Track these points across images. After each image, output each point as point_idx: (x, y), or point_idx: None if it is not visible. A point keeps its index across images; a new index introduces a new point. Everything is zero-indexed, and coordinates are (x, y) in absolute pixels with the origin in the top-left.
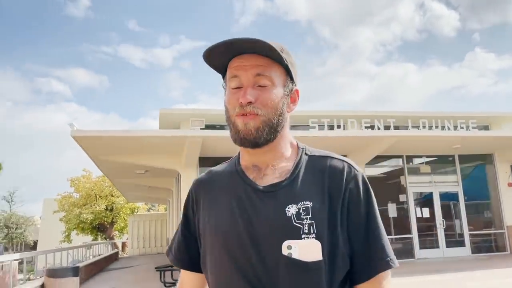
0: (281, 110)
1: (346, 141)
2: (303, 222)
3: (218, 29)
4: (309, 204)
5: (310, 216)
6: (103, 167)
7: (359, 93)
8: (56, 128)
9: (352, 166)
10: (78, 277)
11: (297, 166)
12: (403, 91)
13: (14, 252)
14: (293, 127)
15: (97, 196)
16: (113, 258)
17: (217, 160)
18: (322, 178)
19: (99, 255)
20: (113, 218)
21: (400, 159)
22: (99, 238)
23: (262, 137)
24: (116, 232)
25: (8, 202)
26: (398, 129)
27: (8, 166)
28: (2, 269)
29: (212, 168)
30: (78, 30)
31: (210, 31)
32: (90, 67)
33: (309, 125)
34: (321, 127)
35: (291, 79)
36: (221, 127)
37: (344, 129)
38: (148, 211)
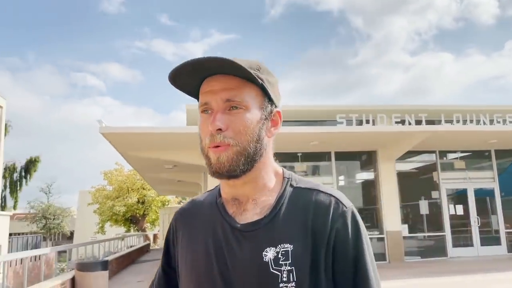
0: (258, 136)
1: (376, 136)
2: (282, 268)
3: (249, 22)
4: (289, 247)
5: (289, 261)
6: (132, 161)
7: (392, 85)
8: (91, 122)
9: (340, 201)
10: (107, 271)
11: (279, 200)
12: (439, 82)
13: (52, 242)
14: (320, 122)
15: (129, 189)
16: (144, 250)
17: None
18: (306, 215)
19: (131, 246)
20: (144, 211)
21: (433, 154)
22: (132, 230)
23: (238, 168)
24: (148, 224)
25: (46, 193)
26: (431, 123)
27: (45, 158)
28: (39, 259)
29: (195, 197)
30: (112, 26)
31: (240, 24)
32: (123, 62)
33: (336, 120)
34: (349, 122)
35: (270, 100)
36: None
37: (373, 124)
38: (179, 203)
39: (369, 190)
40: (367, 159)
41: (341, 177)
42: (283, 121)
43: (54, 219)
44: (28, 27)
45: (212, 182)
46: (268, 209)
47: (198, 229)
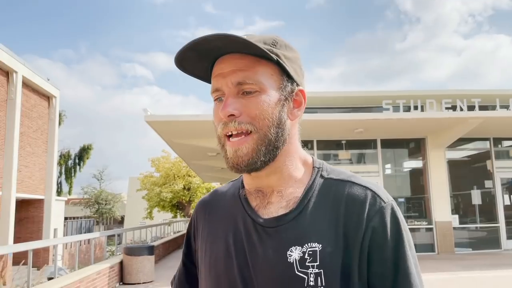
0: (278, 120)
1: (424, 123)
2: (308, 271)
3: (293, 7)
4: (317, 247)
5: (317, 263)
6: (177, 149)
7: (442, 69)
8: (140, 111)
9: (378, 195)
10: (153, 255)
11: (307, 192)
12: (494, 65)
13: (104, 226)
14: (365, 108)
15: (175, 176)
16: None
17: None
18: (337, 211)
19: (179, 231)
20: (190, 197)
21: (487, 142)
22: (178, 216)
23: (259, 160)
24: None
25: (98, 180)
26: (484, 109)
27: (97, 146)
28: (89, 243)
29: (218, 187)
30: (159, 16)
31: (284, 10)
32: (170, 51)
33: (382, 107)
34: (395, 108)
35: (290, 77)
36: None
37: (422, 110)
38: None
39: (417, 178)
40: (415, 146)
41: (388, 165)
42: (327, 107)
43: (106, 204)
44: (80, 19)
45: None
46: (294, 203)
47: (218, 223)
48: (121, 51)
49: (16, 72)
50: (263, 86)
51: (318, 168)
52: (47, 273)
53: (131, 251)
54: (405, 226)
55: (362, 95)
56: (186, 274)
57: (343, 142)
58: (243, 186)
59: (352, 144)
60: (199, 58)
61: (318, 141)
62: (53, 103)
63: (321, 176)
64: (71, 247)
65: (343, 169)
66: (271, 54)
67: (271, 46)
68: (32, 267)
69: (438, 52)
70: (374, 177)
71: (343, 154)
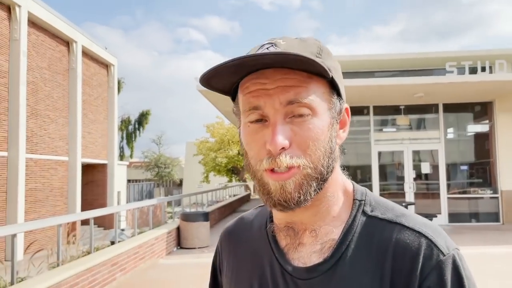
0: (330, 147)
1: (493, 86)
2: None
3: None
4: None
5: None
6: (229, 117)
7: None
8: (196, 75)
9: (435, 244)
10: (208, 221)
11: (346, 235)
12: None
13: (164, 189)
14: (426, 71)
15: (230, 142)
16: (245, 199)
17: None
18: (383, 264)
19: (235, 195)
20: None
21: None
22: (233, 180)
23: (309, 197)
24: (248, 175)
25: (157, 144)
26: None
27: (155, 112)
28: (148, 209)
29: (244, 214)
30: None
31: None
32: (223, 14)
33: (445, 69)
34: (460, 70)
35: (338, 94)
36: (342, 75)
37: (490, 72)
38: None
39: (482, 143)
40: (481, 110)
41: (450, 130)
42: (384, 71)
43: (165, 168)
44: None
45: None
46: (330, 247)
47: (243, 262)
48: (176, 16)
49: (75, 42)
50: (316, 107)
51: (360, 201)
52: (110, 237)
53: (187, 217)
54: (471, 284)
55: (423, 56)
56: None
57: (402, 107)
58: (271, 219)
59: (411, 109)
60: (233, 75)
61: (374, 107)
62: (112, 71)
63: (364, 212)
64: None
65: (391, 202)
66: (329, 72)
67: (318, 57)
68: (99, 227)
69: (511, 4)
70: (435, 143)
71: (402, 119)
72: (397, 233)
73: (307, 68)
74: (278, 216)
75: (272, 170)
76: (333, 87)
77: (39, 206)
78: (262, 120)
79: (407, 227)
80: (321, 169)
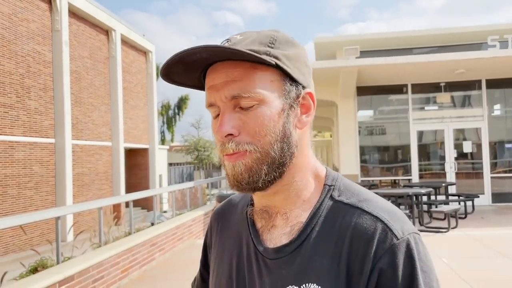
0: (282, 133)
1: None
2: None
3: None
4: None
5: None
6: None
7: None
8: None
9: (390, 228)
10: None
11: (312, 218)
12: None
13: (204, 171)
14: (467, 46)
15: None
16: None
17: (376, 89)
18: (341, 246)
19: None
20: None
21: None
22: None
23: (261, 179)
24: None
25: (196, 128)
26: None
27: (193, 96)
28: (188, 191)
29: (232, 196)
30: None
31: None
32: None
33: (487, 43)
34: (503, 44)
35: (293, 80)
36: (379, 53)
37: None
38: (314, 137)
39: None
40: None
41: (496, 106)
42: (423, 47)
43: (204, 151)
44: None
45: (343, 119)
46: (298, 230)
47: (227, 240)
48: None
49: (114, 30)
50: (262, 96)
51: (329, 186)
52: (150, 219)
53: (223, 199)
54: (426, 266)
55: (463, 31)
56: (203, 284)
57: (442, 84)
58: (252, 203)
59: (452, 86)
60: (187, 70)
61: (413, 85)
62: (150, 57)
63: (331, 197)
64: (174, 191)
65: (360, 187)
66: (268, 59)
67: (268, 47)
68: (143, 208)
69: None
70: (478, 121)
71: (442, 97)
72: (357, 217)
73: (248, 59)
74: (256, 200)
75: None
76: (286, 74)
77: (86, 189)
78: (219, 114)
79: (366, 212)
80: (273, 154)
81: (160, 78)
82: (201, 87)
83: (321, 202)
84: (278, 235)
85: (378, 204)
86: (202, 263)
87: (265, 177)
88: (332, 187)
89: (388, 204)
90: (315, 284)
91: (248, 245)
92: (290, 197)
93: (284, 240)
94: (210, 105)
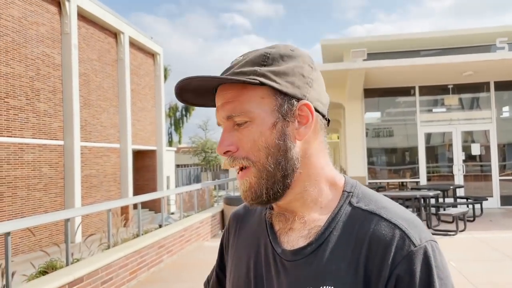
0: (277, 147)
1: None
2: None
3: None
4: None
5: None
6: None
7: None
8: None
9: (408, 236)
10: None
11: (331, 223)
12: None
13: (211, 173)
14: (476, 48)
15: None
16: None
17: (383, 91)
18: (359, 252)
19: None
20: None
21: None
22: None
23: (264, 194)
24: None
25: (203, 130)
26: None
27: None
28: (195, 193)
29: None
30: None
31: None
32: None
33: (495, 45)
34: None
35: (285, 94)
36: (386, 55)
37: None
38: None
39: None
40: None
41: (505, 108)
42: (432, 49)
43: (211, 152)
44: None
45: (350, 121)
46: (316, 234)
47: (245, 242)
48: (219, 1)
49: (123, 33)
50: (252, 114)
51: (348, 193)
52: (158, 221)
53: (231, 201)
54: (442, 273)
55: (471, 33)
56: (218, 285)
57: (450, 86)
58: (271, 206)
59: (460, 88)
60: (197, 95)
61: (420, 87)
62: (158, 60)
63: (350, 203)
64: (182, 193)
65: (379, 195)
66: (252, 79)
67: (260, 65)
68: (150, 210)
69: None
70: (486, 123)
71: (450, 99)
72: (375, 224)
73: (233, 81)
74: (274, 204)
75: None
76: (276, 89)
77: (94, 191)
78: None
79: (385, 219)
80: (269, 168)
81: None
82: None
83: (340, 207)
84: (295, 238)
85: (396, 212)
86: (218, 263)
87: (267, 191)
88: (351, 193)
89: (406, 212)
90: (332, 287)
91: (266, 246)
92: (307, 204)
93: (302, 243)
94: (218, 124)
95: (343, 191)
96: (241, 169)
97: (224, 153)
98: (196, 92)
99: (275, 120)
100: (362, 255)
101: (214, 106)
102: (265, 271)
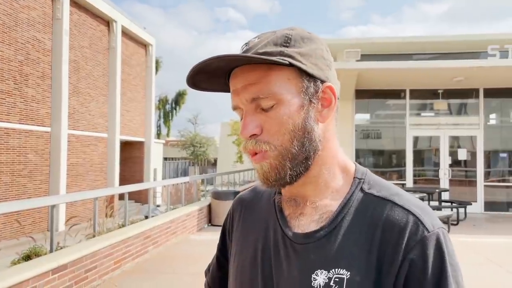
0: (302, 129)
1: None
2: None
3: None
4: (345, 274)
5: None
6: None
7: None
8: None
9: (421, 221)
10: None
11: (343, 208)
12: None
13: (199, 167)
14: (468, 54)
15: None
16: None
17: (374, 93)
18: (373, 236)
19: None
20: None
21: None
22: None
23: (287, 175)
24: None
25: (193, 123)
26: None
27: (192, 91)
28: (183, 185)
29: (257, 185)
30: None
31: None
32: None
33: (487, 52)
34: (503, 54)
35: (311, 76)
36: (379, 57)
37: None
38: None
39: None
40: None
41: (492, 116)
42: (422, 53)
43: (200, 147)
44: None
45: (340, 121)
46: (327, 218)
47: (251, 226)
48: None
49: (115, 21)
50: (280, 96)
51: (359, 179)
52: (144, 212)
53: (218, 196)
54: (453, 260)
55: (463, 39)
56: (218, 270)
57: (440, 91)
58: (279, 191)
59: (450, 93)
60: (211, 78)
61: (411, 90)
62: (150, 50)
63: (361, 189)
64: (169, 186)
65: (389, 183)
66: (281, 59)
67: (283, 46)
68: (136, 202)
69: None
70: (474, 129)
71: (439, 104)
72: (389, 210)
73: (263, 61)
74: (284, 189)
75: (252, 155)
76: (302, 71)
77: (80, 180)
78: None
79: (398, 205)
80: (293, 150)
81: (161, 71)
82: (229, 91)
83: (352, 193)
84: (307, 222)
85: (409, 199)
86: (220, 248)
87: (291, 171)
88: (362, 180)
89: (418, 200)
90: (344, 270)
91: (275, 230)
92: (319, 188)
93: (313, 227)
94: (234, 108)
95: (354, 177)
96: (255, 153)
97: (250, 136)
98: (211, 74)
99: (302, 102)
100: (376, 240)
101: (224, 91)
102: (273, 254)
